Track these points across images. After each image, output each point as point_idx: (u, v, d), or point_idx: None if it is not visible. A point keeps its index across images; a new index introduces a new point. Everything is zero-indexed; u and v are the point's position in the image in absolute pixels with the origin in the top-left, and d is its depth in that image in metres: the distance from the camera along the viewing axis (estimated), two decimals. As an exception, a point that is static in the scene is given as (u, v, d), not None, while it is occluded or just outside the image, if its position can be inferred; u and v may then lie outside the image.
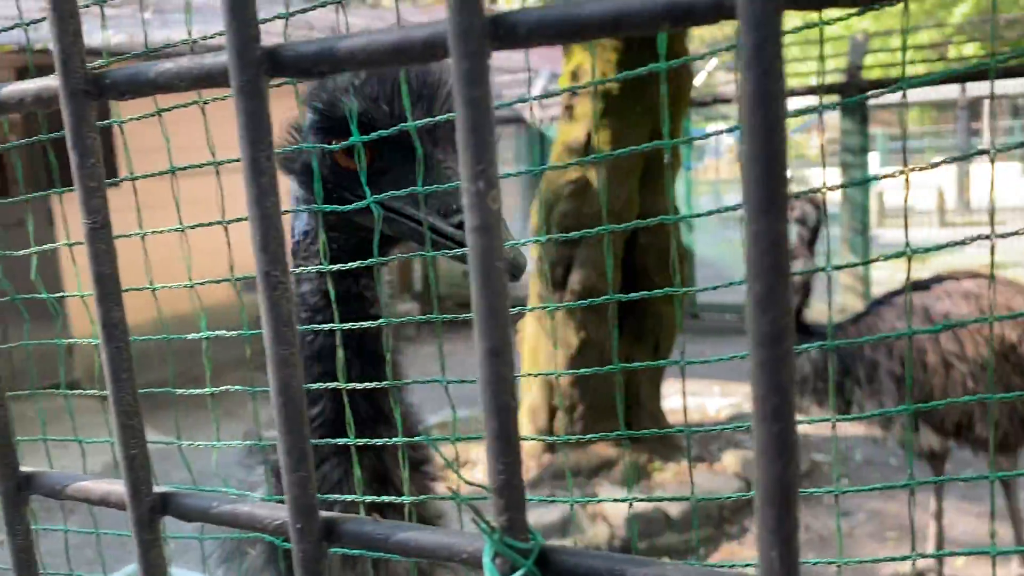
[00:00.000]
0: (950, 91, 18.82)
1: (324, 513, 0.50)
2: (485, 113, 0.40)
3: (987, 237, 0.74)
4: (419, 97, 1.24)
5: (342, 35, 0.45)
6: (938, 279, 4.72)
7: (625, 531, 5.35)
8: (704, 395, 7.89)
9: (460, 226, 1.16)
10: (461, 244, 1.17)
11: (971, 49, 15.15)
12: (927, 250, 0.76)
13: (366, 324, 1.27)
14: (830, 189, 0.89)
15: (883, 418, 4.51)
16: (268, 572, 1.37)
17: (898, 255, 0.71)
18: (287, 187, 1.40)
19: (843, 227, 9.54)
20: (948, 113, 22.68)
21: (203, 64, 0.49)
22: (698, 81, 11.78)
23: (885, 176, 0.82)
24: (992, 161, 0.81)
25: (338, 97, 1.24)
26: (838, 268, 0.71)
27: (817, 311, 7.09)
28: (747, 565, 0.90)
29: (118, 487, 0.58)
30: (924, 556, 0.84)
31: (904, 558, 0.89)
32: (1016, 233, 0.67)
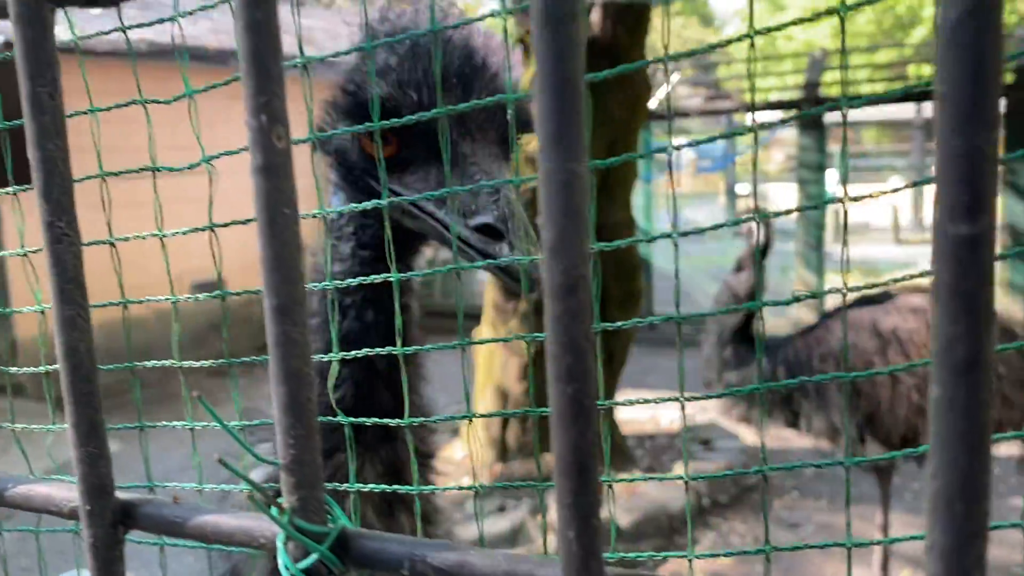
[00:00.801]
0: (907, 111, 19.15)
1: (121, 494, 0.45)
2: (268, 38, 0.36)
3: (782, 214, 0.71)
4: (453, 85, 1.17)
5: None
6: (887, 294, 4.76)
7: (574, 542, 5.31)
8: (658, 406, 7.90)
9: (478, 229, 1.09)
10: (475, 247, 1.10)
11: (930, 70, 15.41)
12: (773, 213, 0.73)
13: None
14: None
15: (830, 431, 4.52)
16: None
17: (748, 218, 0.67)
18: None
19: (798, 243, 9.62)
20: (905, 132, 23.06)
21: (-12, -7, 0.44)
22: (661, 94, 11.84)
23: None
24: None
25: (367, 81, 1.17)
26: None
27: (769, 324, 7.12)
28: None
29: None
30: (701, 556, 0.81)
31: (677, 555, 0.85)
32: (836, 200, 0.64)
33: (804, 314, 9.03)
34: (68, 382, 0.43)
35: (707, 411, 7.41)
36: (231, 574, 1.37)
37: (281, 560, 0.39)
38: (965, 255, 0.27)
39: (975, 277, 0.27)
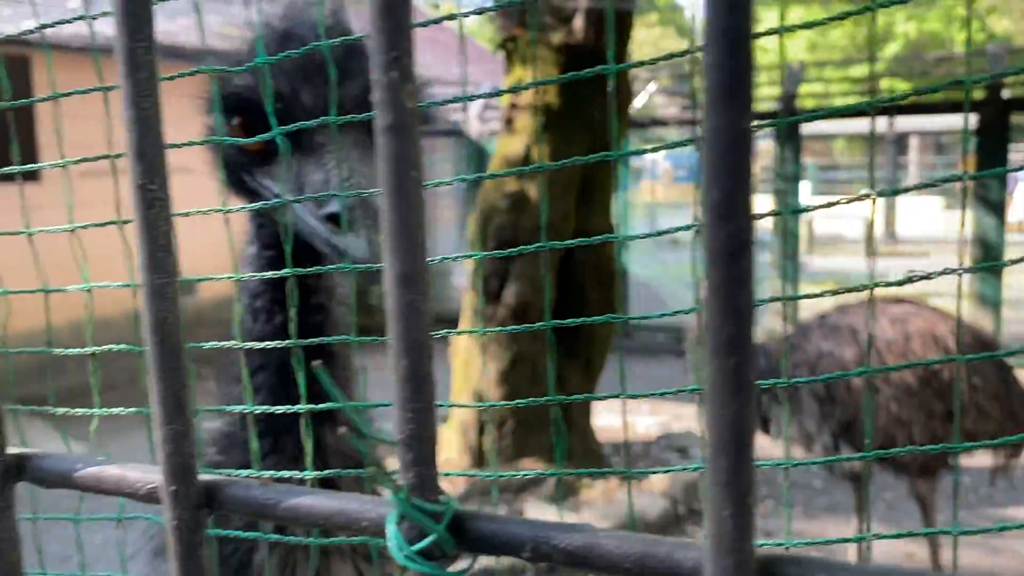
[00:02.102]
0: (878, 124, 19.40)
1: (204, 475, 0.43)
2: (403, -9, 0.34)
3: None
4: (312, 72, 1.14)
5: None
6: (865, 303, 4.80)
7: (551, 548, 5.29)
8: (633, 413, 7.92)
9: (329, 218, 1.06)
10: (320, 237, 1.07)
11: (903, 85, 15.65)
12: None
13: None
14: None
15: (804, 438, 4.53)
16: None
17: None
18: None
19: (774, 254, 9.70)
20: (876, 145, 23.36)
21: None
22: (638, 103, 11.92)
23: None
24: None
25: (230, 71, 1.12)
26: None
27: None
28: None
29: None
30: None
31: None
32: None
33: (779, 324, 9.08)
34: (155, 356, 0.41)
35: (683, 419, 7.44)
36: (158, 550, 1.32)
37: (394, 542, 0.37)
38: None
39: None
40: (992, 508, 6.07)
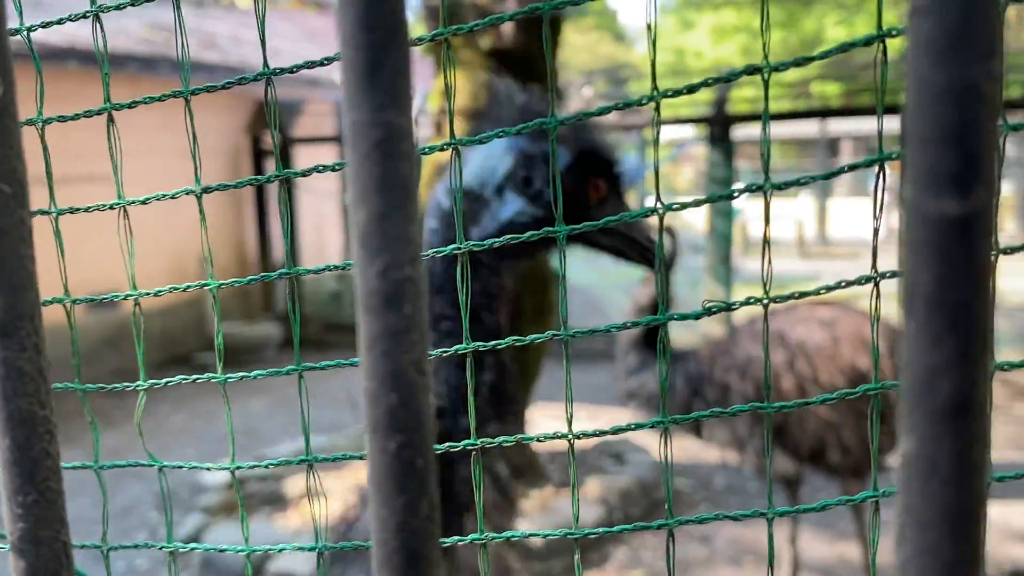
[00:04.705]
0: (810, 129, 19.75)
1: None
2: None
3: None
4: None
5: None
6: (794, 307, 4.80)
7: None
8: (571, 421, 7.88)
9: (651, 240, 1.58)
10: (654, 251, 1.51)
11: (833, 88, 15.93)
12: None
13: None
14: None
15: (737, 442, 4.51)
16: None
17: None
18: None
19: (707, 256, 9.76)
20: (808, 149, 23.84)
21: None
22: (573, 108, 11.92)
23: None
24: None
25: (596, 143, 1.54)
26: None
27: (676, 337, 7.17)
28: None
29: None
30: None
31: None
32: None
33: (714, 327, 9.14)
34: None
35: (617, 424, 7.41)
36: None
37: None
38: (952, 245, 0.18)
39: (966, 279, 0.18)
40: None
